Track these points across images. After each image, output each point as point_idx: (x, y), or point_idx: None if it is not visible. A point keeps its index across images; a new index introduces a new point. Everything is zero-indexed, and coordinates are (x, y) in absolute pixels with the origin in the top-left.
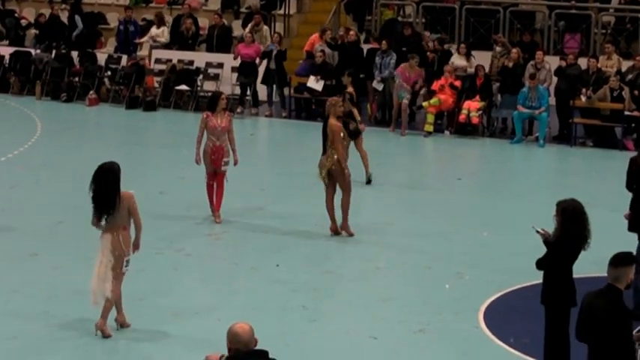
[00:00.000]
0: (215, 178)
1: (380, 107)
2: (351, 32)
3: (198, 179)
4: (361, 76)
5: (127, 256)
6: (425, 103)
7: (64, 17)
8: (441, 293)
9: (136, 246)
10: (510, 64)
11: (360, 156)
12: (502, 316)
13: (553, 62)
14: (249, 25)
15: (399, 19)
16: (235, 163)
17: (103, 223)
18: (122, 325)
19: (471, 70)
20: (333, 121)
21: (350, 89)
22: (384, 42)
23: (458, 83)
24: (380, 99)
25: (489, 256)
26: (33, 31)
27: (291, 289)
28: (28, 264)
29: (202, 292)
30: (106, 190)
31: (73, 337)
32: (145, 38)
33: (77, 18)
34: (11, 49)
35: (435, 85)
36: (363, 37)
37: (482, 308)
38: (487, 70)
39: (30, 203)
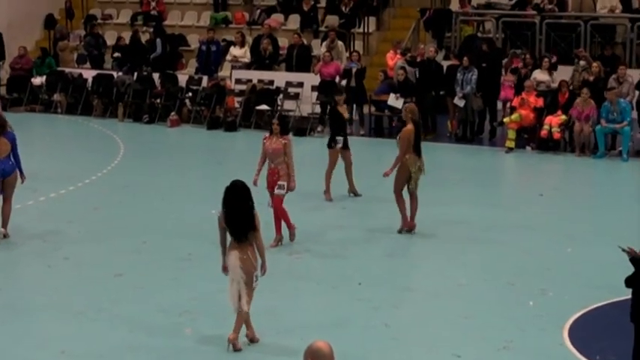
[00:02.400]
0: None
1: (461, 123)
2: (431, 49)
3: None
4: (441, 92)
5: (256, 271)
6: (506, 119)
7: (145, 39)
8: (525, 310)
9: (264, 270)
10: (592, 79)
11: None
12: (588, 333)
13: (635, 75)
14: (325, 43)
15: (479, 34)
16: (288, 190)
17: (230, 238)
18: (252, 340)
19: (554, 85)
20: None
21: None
22: (465, 58)
23: (540, 103)
24: (461, 115)
25: (574, 272)
26: (115, 54)
27: (372, 307)
28: (113, 284)
29: (287, 310)
30: (240, 210)
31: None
32: (227, 58)
33: (158, 41)
34: (94, 72)
35: (516, 101)
36: (442, 53)
37: (567, 325)
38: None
39: (114, 224)
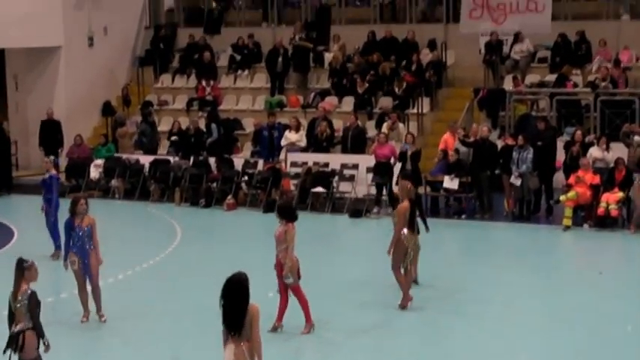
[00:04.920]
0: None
1: (517, 202)
2: (484, 128)
3: (336, 279)
4: (496, 171)
5: None
6: (562, 197)
7: (201, 125)
8: None
9: None
10: None
11: None
12: None
13: None
14: (385, 125)
15: (533, 113)
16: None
17: (225, 331)
18: None
19: (611, 163)
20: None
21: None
22: (520, 137)
23: (597, 180)
24: (517, 194)
25: (635, 351)
26: (173, 138)
27: None
28: None
29: None
30: (235, 304)
31: None
32: (282, 143)
33: (213, 126)
34: (151, 158)
35: (572, 179)
36: (497, 132)
37: None
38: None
39: (172, 308)
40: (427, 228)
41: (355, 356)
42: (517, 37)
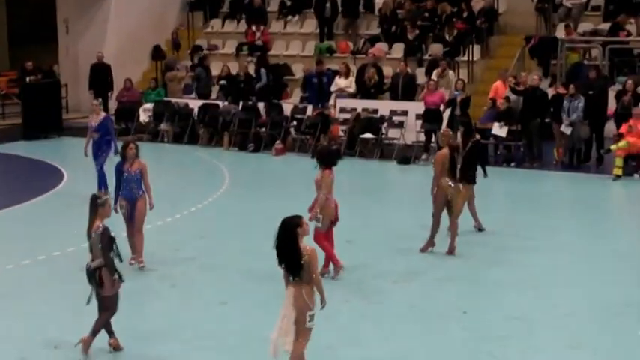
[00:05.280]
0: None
1: (567, 151)
2: (535, 76)
3: (385, 227)
4: (546, 120)
5: (311, 311)
6: (613, 147)
7: (250, 70)
8: (634, 339)
9: (322, 304)
10: None
11: None
12: None
13: None
14: (435, 72)
15: (585, 62)
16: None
17: (284, 274)
18: None
19: None
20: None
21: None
22: (571, 86)
23: None
24: (567, 143)
25: None
26: (221, 82)
27: (478, 337)
28: (217, 311)
29: (390, 341)
30: (285, 248)
31: None
32: (332, 89)
33: (262, 71)
34: (199, 102)
35: (623, 128)
36: (547, 81)
37: None
38: None
39: (219, 252)
40: (485, 173)
41: (401, 301)
42: None
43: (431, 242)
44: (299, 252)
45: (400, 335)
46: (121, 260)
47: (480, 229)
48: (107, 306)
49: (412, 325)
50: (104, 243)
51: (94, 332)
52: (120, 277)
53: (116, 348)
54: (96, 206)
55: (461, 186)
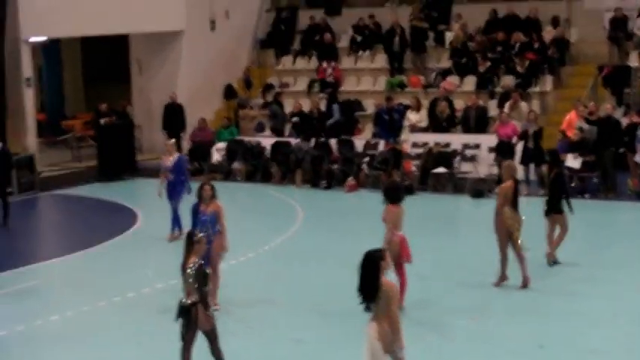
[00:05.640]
0: None
1: None
2: (608, 105)
3: (458, 262)
4: (620, 150)
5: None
6: None
7: (322, 106)
8: None
9: (399, 344)
10: None
11: None
12: None
13: None
14: (507, 104)
15: None
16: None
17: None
18: None
19: None
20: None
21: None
22: None
23: None
24: None
25: None
26: (294, 119)
27: None
28: (292, 349)
29: None
30: (365, 279)
31: None
32: (404, 124)
33: (335, 107)
34: (272, 140)
35: None
36: (622, 110)
37: None
38: None
39: (293, 291)
40: (571, 209)
41: (475, 337)
42: None
43: (504, 276)
44: (379, 284)
45: None
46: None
47: (555, 262)
48: (215, 335)
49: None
50: (199, 279)
51: None
52: (212, 314)
53: None
54: (191, 243)
55: (523, 217)
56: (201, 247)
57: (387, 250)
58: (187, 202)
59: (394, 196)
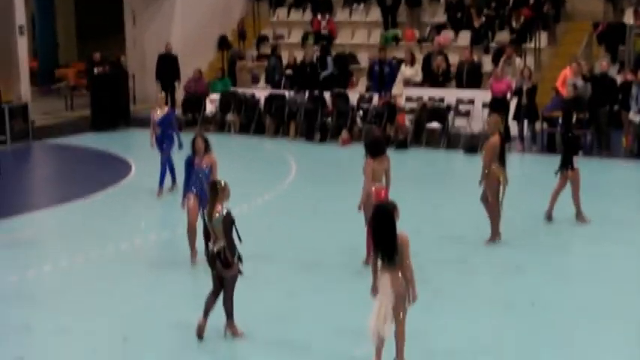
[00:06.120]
0: None
1: (636, 139)
2: (603, 63)
3: (452, 218)
4: (615, 107)
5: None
6: None
7: (316, 59)
8: None
9: (413, 297)
10: None
11: None
12: None
13: None
14: (502, 59)
15: None
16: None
17: (380, 262)
18: None
19: None
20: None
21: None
22: None
23: None
24: (636, 131)
25: None
26: (287, 71)
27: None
28: (288, 303)
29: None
30: (383, 233)
31: None
32: (398, 78)
33: (328, 60)
34: (266, 92)
35: None
36: (616, 67)
37: None
38: None
39: (285, 243)
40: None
41: (469, 291)
42: None
43: (497, 232)
44: (396, 235)
45: (482, 324)
46: (240, 241)
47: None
48: (231, 286)
49: (486, 316)
50: (227, 226)
51: (229, 315)
52: (240, 258)
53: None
54: (216, 191)
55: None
56: (225, 194)
57: (362, 202)
58: (181, 155)
59: (371, 149)
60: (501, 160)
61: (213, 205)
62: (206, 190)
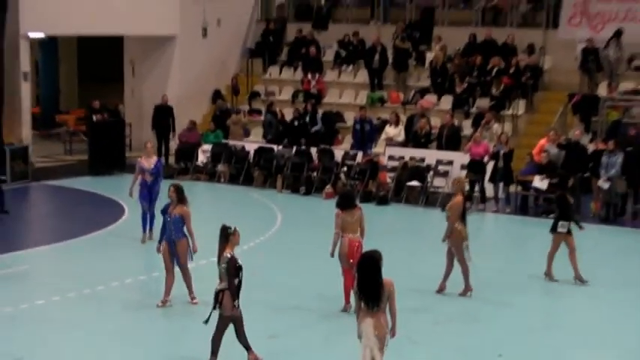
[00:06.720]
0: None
1: (604, 205)
2: (577, 132)
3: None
4: (586, 174)
5: (388, 335)
6: None
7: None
8: None
9: (393, 333)
10: None
11: None
12: None
13: None
14: (481, 124)
15: (625, 120)
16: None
17: (363, 306)
18: None
19: None
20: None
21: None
22: (610, 142)
23: None
24: (605, 197)
25: None
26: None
27: None
28: (267, 346)
29: None
30: (369, 281)
31: None
32: (382, 137)
33: (318, 117)
34: (255, 145)
35: None
36: (588, 137)
37: None
38: None
39: (268, 287)
40: (580, 227)
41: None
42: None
43: (468, 286)
44: (382, 283)
45: None
46: (239, 288)
47: (582, 281)
48: (223, 325)
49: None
50: (230, 268)
51: (247, 348)
52: (237, 305)
53: None
54: (226, 235)
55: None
56: (235, 239)
57: (340, 253)
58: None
59: (339, 202)
60: (462, 219)
61: (222, 250)
62: (174, 238)
